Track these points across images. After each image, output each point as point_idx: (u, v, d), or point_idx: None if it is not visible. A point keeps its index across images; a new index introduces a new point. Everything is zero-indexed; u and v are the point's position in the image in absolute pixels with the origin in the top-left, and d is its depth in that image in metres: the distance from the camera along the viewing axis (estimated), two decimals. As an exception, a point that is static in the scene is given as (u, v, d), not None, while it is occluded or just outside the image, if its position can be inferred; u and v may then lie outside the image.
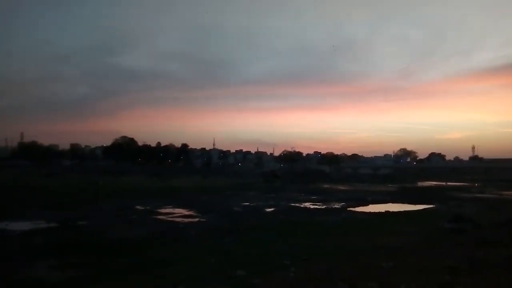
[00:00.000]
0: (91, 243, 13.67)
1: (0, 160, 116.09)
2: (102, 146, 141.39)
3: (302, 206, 28.85)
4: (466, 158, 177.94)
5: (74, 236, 15.27)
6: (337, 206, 28.55)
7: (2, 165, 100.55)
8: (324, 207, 28.25)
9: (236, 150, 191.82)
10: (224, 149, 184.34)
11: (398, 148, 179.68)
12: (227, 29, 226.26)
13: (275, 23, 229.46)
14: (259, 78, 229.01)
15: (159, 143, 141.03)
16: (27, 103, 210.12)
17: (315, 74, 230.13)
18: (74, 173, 75.57)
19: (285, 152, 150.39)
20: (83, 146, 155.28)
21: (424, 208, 26.58)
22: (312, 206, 28.64)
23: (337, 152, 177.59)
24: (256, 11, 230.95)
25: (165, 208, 26.12)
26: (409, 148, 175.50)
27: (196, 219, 21.36)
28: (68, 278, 9.34)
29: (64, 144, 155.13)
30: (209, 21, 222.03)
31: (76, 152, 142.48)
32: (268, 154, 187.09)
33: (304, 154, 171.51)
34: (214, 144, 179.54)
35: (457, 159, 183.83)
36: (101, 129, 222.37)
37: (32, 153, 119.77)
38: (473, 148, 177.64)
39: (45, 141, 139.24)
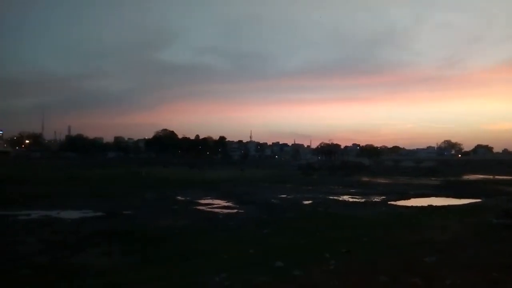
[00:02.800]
0: (136, 231, 14.21)
1: (49, 153, 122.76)
2: (144, 139, 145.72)
3: (340, 199, 28.50)
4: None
5: (119, 225, 15.92)
6: (377, 200, 27.97)
7: (51, 157, 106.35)
8: (363, 200, 27.76)
9: (273, 143, 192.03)
10: (261, 142, 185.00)
11: (442, 140, 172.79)
12: (264, 22, 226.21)
13: (312, 14, 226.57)
14: (296, 70, 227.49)
15: (197, 136, 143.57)
16: (74, 98, 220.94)
17: (354, 64, 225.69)
18: (118, 165, 78.56)
19: (322, 144, 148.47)
20: (126, 139, 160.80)
21: (470, 203, 25.51)
22: (350, 199, 28.22)
23: (377, 144, 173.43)
24: (293, 3, 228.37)
25: (204, 199, 26.65)
26: (453, 140, 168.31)
27: (235, 210, 21.65)
28: (115, 264, 9.78)
29: (108, 137, 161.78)
30: (246, 14, 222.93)
31: (120, 145, 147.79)
32: (305, 146, 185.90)
33: (342, 147, 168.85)
34: (251, 137, 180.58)
35: (505, 151, 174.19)
36: (143, 122, 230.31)
37: (78, 146, 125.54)
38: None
39: (90, 134, 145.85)
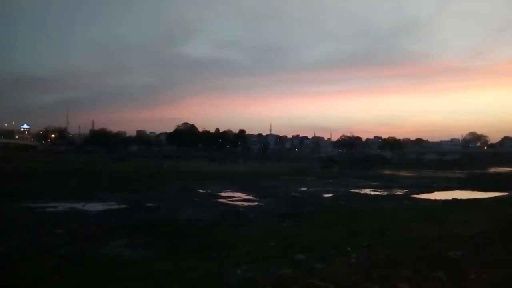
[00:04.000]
0: (159, 224, 14.45)
1: (74, 146, 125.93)
2: (166, 133, 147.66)
3: (361, 192, 28.23)
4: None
5: (143, 217, 16.22)
6: (400, 193, 27.58)
7: (75, 150, 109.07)
8: (385, 193, 27.42)
9: (292, 135, 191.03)
10: (281, 135, 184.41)
11: (467, 132, 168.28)
12: (284, 14, 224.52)
13: (332, 6, 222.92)
14: (316, 62, 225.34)
15: (217, 129, 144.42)
16: (97, 93, 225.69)
17: (375, 56, 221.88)
18: (140, 158, 79.93)
19: (343, 137, 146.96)
20: (148, 133, 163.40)
21: (496, 196, 24.86)
22: (372, 193, 27.92)
23: (399, 136, 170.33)
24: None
25: (225, 192, 26.84)
26: (479, 132, 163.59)
27: (255, 203, 21.73)
28: (140, 256, 9.99)
29: (131, 131, 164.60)
30: (266, 7, 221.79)
31: (142, 138, 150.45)
32: (325, 139, 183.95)
33: (363, 139, 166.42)
34: (270, 130, 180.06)
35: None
36: (164, 116, 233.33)
37: (102, 140, 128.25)
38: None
39: (113, 128, 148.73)
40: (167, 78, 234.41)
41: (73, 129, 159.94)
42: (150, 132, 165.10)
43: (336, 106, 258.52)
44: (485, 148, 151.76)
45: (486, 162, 75.39)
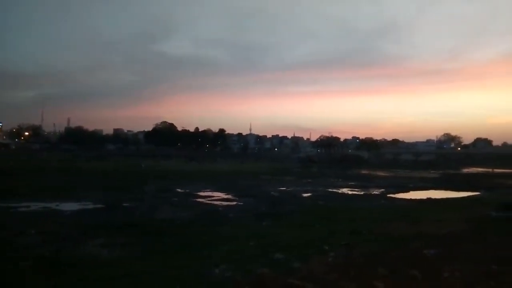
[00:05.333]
0: (136, 224, 14.25)
1: (49, 145, 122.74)
2: (144, 131, 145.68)
3: (339, 191, 28.59)
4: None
5: (119, 217, 15.97)
6: (376, 193, 28.07)
7: (50, 149, 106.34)
8: (362, 193, 27.86)
9: (272, 135, 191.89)
10: (261, 134, 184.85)
11: (442, 133, 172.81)
12: (265, 14, 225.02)
13: (314, 6, 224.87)
14: (297, 62, 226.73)
15: (197, 128, 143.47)
16: (74, 90, 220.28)
17: (355, 57, 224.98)
18: (117, 157, 78.60)
19: (322, 137, 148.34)
20: (126, 131, 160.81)
21: (469, 196, 25.62)
22: (350, 192, 28.31)
23: (376, 137, 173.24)
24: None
25: (204, 192, 26.71)
26: (453, 133, 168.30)
27: (234, 203, 21.71)
28: (117, 256, 9.83)
29: (108, 129, 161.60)
30: (248, 7, 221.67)
31: (119, 137, 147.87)
32: (305, 139, 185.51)
33: (341, 139, 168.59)
34: (250, 129, 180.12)
35: (505, 144, 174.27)
36: (143, 114, 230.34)
37: (77, 138, 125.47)
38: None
39: (90, 126, 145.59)
40: (146, 76, 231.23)
41: (48, 127, 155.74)
42: (128, 131, 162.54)
43: (315, 106, 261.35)
44: (459, 149, 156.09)
45: (459, 163, 77.53)
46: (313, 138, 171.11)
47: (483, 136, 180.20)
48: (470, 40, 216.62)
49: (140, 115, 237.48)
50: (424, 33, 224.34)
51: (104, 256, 9.79)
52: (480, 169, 62.42)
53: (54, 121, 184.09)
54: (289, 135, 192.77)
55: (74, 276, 8.09)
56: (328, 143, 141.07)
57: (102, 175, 36.61)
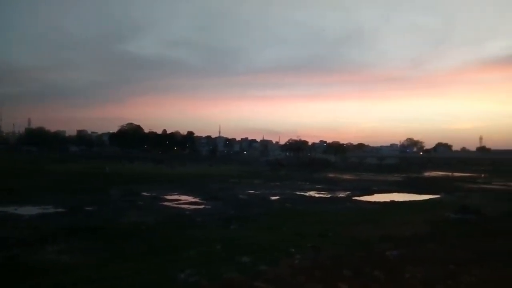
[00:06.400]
0: (99, 228, 13.80)
1: (7, 146, 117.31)
2: (109, 133, 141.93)
3: (307, 194, 28.89)
4: (473, 148, 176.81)
5: (82, 221, 15.43)
6: (342, 195, 28.56)
7: (9, 150, 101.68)
8: (329, 196, 28.27)
9: (241, 138, 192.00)
10: (230, 137, 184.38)
11: (405, 138, 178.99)
12: (235, 17, 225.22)
13: (284, 11, 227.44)
14: (266, 66, 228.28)
15: (165, 130, 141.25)
16: (35, 89, 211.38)
17: (323, 63, 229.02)
18: (80, 159, 76.17)
19: (290, 141, 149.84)
20: (89, 133, 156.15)
21: (430, 198, 26.53)
22: (317, 195, 28.67)
23: (343, 141, 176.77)
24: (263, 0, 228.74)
25: (171, 195, 26.28)
26: (416, 138, 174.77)
27: (202, 206, 21.49)
28: (78, 261, 9.48)
29: (71, 130, 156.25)
30: (217, 9, 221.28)
31: (83, 139, 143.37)
32: (274, 142, 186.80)
33: (309, 143, 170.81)
34: (219, 132, 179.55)
35: (464, 149, 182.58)
36: (108, 115, 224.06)
37: (39, 139, 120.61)
38: (481, 138, 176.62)
39: (52, 127, 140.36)
40: (112, 76, 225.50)
41: (7, 127, 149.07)
42: (92, 132, 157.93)
43: (284, 110, 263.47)
44: (421, 153, 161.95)
45: (421, 167, 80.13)
46: (282, 141, 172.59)
47: (444, 141, 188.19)
48: (431, 50, 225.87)
49: (105, 116, 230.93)
50: (388, 42, 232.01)
51: (64, 262, 9.42)
52: (440, 173, 64.84)
53: (14, 121, 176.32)
54: (258, 138, 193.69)
55: (31, 282, 7.75)
56: (297, 147, 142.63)
57: (64, 178, 35.34)
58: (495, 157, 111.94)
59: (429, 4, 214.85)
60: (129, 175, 41.83)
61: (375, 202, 24.40)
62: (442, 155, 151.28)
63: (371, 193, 30.74)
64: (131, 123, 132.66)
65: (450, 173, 62.21)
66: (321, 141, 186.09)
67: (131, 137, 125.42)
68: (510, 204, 21.12)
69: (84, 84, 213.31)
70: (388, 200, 24.94)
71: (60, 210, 18.61)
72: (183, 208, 20.76)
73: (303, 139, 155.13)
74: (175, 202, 22.88)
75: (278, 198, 25.92)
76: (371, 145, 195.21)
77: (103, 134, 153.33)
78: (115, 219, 16.15)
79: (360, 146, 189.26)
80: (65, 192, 25.30)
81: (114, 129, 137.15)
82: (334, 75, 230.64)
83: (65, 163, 60.36)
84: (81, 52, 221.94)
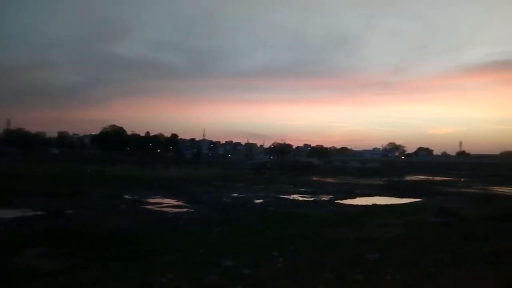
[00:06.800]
0: (80, 232, 13.61)
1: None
2: (91, 135, 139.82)
3: (290, 198, 29.02)
4: (453, 153, 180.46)
5: (62, 225, 15.18)
6: (325, 199, 28.78)
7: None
8: (312, 199, 28.46)
9: (226, 141, 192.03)
10: (214, 140, 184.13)
11: (387, 142, 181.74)
12: (220, 20, 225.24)
13: (269, 16, 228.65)
14: (252, 69, 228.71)
15: (148, 133, 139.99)
16: (15, 89, 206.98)
17: (307, 67, 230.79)
18: (61, 161, 74.81)
19: (275, 144, 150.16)
20: (71, 134, 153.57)
21: (411, 202, 26.96)
22: (300, 198, 28.83)
23: (327, 145, 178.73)
24: (250, 3, 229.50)
25: (154, 198, 26.06)
26: (398, 142, 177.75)
27: (185, 209, 21.37)
28: (57, 266, 9.30)
29: (52, 132, 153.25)
30: (202, 11, 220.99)
31: (64, 140, 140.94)
32: (258, 145, 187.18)
33: (294, 147, 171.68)
34: (204, 135, 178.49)
35: (444, 154, 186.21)
36: (90, 117, 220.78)
37: (18, 140, 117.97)
38: (461, 143, 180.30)
39: (32, 128, 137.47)
40: (95, 77, 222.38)
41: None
42: (73, 134, 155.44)
43: (269, 113, 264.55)
44: (403, 157, 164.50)
45: (403, 171, 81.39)
46: (267, 145, 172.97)
47: (425, 146, 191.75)
48: (413, 56, 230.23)
49: (87, 118, 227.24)
50: (372, 47, 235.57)
51: (44, 267, 9.24)
52: (421, 177, 65.90)
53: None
54: (243, 142, 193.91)
55: (9, 288, 7.57)
56: (281, 150, 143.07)
57: (44, 181, 34.65)
58: (474, 162, 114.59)
59: (412, 11, 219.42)
60: (111, 178, 41.29)
61: (357, 205, 24.68)
62: (423, 159, 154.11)
63: (353, 196, 31.08)
64: (114, 125, 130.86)
65: (430, 177, 63.33)
66: (305, 144, 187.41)
67: (114, 139, 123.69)
68: (487, 208, 21.64)
69: (66, 84, 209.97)
70: (370, 203, 25.25)
71: (39, 213, 18.26)
72: (166, 211, 20.61)
73: (287, 142, 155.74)
74: (158, 205, 22.69)
75: (261, 201, 25.96)
76: (354, 149, 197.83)
77: (84, 136, 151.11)
78: (96, 223, 15.93)
79: (344, 150, 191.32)
80: (45, 195, 24.82)
81: (96, 131, 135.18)
82: (318, 80, 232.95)
83: (46, 165, 59.19)
84: (64, 52, 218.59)
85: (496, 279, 8.31)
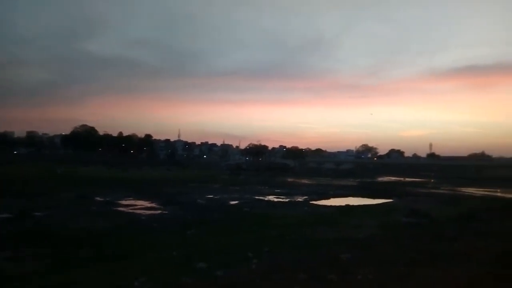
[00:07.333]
0: (49, 234, 13.18)
1: None
2: (61, 135, 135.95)
3: (266, 199, 29.10)
4: (424, 155, 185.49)
5: (31, 227, 14.68)
6: (300, 200, 29.01)
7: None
8: (287, 200, 28.62)
9: (201, 142, 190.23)
10: (190, 141, 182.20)
11: (360, 144, 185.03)
12: (198, 20, 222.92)
13: (246, 16, 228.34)
14: (228, 70, 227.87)
15: (121, 133, 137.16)
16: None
17: (284, 68, 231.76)
18: (30, 162, 72.37)
19: (250, 145, 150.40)
20: (40, 134, 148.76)
21: (383, 203, 27.52)
22: (275, 199, 28.94)
23: (302, 146, 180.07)
24: (228, 3, 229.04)
25: (126, 200, 25.59)
26: (370, 144, 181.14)
27: (158, 211, 21.07)
28: (25, 270, 8.98)
29: (20, 131, 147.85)
30: (179, 10, 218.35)
31: (33, 140, 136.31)
32: (234, 147, 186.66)
33: (269, 148, 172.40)
34: (179, 135, 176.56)
35: (415, 155, 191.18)
36: (61, 116, 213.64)
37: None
38: (431, 145, 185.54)
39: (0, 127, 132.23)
40: (66, 75, 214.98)
41: None
42: (43, 134, 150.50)
43: (245, 114, 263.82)
44: (375, 159, 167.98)
45: (375, 172, 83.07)
46: (243, 146, 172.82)
47: (396, 148, 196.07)
48: (386, 59, 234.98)
49: (57, 117, 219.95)
50: (346, 50, 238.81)
51: (10, 270, 8.90)
52: (393, 178, 67.50)
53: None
54: (219, 143, 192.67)
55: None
56: (257, 151, 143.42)
57: (12, 182, 33.39)
58: (444, 163, 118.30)
59: (386, 16, 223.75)
60: (82, 178, 40.27)
61: (331, 206, 24.98)
62: (395, 161, 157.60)
63: (327, 197, 31.45)
64: (85, 125, 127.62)
65: (402, 178, 64.93)
66: (280, 146, 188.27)
67: (85, 139, 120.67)
68: (456, 208, 22.33)
69: (36, 82, 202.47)
70: (343, 204, 25.61)
71: (6, 215, 17.59)
72: (139, 213, 20.26)
73: (263, 143, 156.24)
74: (130, 207, 22.28)
75: (237, 203, 25.91)
76: (329, 150, 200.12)
77: (55, 136, 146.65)
78: (66, 225, 15.49)
79: (318, 151, 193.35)
80: (13, 196, 23.95)
81: (67, 130, 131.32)
82: (294, 81, 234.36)
83: (13, 166, 57.12)
84: (33, 49, 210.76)
85: (466, 277, 8.57)
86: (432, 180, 60.65)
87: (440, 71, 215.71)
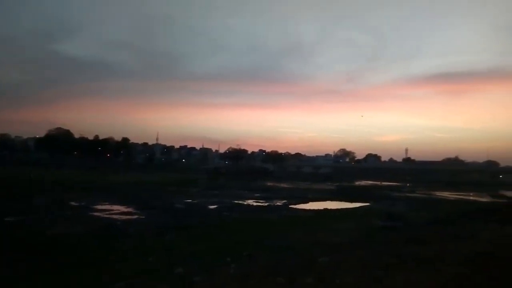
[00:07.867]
0: (23, 240, 12.78)
1: None
2: (35, 137, 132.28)
3: (245, 203, 29.04)
4: (400, 159, 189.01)
5: (2, 232, 14.17)
6: (279, 204, 29.09)
7: None
8: (266, 204, 28.65)
9: (180, 146, 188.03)
10: (168, 144, 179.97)
11: (338, 148, 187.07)
12: (177, 22, 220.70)
13: (225, 20, 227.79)
14: (207, 73, 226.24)
15: (97, 136, 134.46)
16: None
17: (263, 73, 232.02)
18: (2, 166, 70.05)
19: (230, 149, 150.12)
20: (13, 137, 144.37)
21: (360, 206, 27.91)
22: (255, 204, 28.93)
23: (281, 150, 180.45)
24: (207, 7, 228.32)
25: (102, 205, 25.09)
26: (348, 149, 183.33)
27: (135, 216, 20.76)
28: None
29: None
30: (159, 12, 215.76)
31: (5, 143, 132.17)
32: (214, 150, 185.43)
33: (249, 152, 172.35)
34: (157, 139, 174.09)
35: (391, 160, 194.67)
36: (35, 119, 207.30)
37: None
38: (406, 150, 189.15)
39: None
40: (41, 77, 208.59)
41: None
42: (16, 136, 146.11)
43: (225, 118, 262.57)
44: (353, 163, 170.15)
45: (353, 176, 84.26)
46: (222, 150, 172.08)
47: (373, 152, 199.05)
48: (364, 65, 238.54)
49: (31, 120, 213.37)
50: (325, 56, 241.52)
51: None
52: (370, 182, 68.58)
53: None
54: (198, 146, 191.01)
55: None
56: (236, 155, 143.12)
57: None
58: (419, 168, 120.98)
59: (364, 22, 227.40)
60: (56, 182, 39.21)
61: (309, 210, 25.15)
62: (372, 165, 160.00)
63: (306, 201, 31.66)
64: (60, 128, 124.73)
65: (379, 182, 66.01)
66: (260, 150, 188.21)
67: (60, 142, 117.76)
68: (431, 212, 22.83)
69: (9, 84, 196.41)
70: (321, 208, 25.85)
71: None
72: (115, 218, 19.91)
73: (243, 147, 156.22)
74: (106, 212, 21.86)
75: (216, 207, 25.77)
76: (308, 154, 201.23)
77: (28, 138, 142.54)
78: (39, 230, 15.06)
79: (297, 155, 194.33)
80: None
81: (41, 133, 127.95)
82: (273, 85, 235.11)
83: (-17, 170, 55.18)
84: (8, 49, 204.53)
85: (441, 281, 8.74)
86: (408, 184, 61.89)
87: (415, 78, 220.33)
